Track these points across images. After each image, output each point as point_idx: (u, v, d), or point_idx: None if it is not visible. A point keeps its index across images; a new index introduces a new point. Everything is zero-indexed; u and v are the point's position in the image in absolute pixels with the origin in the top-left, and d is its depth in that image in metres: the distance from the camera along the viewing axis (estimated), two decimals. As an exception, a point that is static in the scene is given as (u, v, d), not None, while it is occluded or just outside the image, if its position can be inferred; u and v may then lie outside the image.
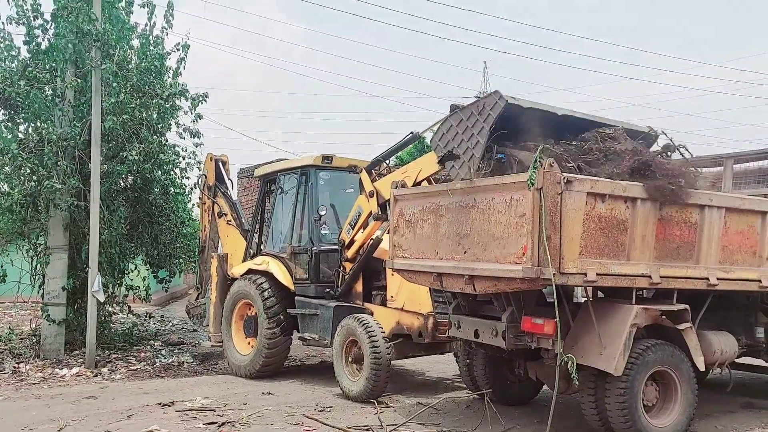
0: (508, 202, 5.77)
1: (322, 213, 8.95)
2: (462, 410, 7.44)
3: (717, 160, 8.49)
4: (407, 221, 7.19)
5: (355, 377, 7.97)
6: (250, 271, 9.70)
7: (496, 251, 5.87)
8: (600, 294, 6.74)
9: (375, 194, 8.31)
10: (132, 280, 12.67)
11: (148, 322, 14.07)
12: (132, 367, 10.24)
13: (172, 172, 12.32)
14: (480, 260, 6.06)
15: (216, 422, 6.77)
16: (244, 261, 10.24)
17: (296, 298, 9.15)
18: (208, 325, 10.93)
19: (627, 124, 6.92)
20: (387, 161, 8.76)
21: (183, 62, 11.86)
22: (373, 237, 8.45)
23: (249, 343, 9.65)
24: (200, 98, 11.66)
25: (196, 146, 12.29)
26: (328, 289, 8.89)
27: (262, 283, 9.28)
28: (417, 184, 7.62)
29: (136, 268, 12.92)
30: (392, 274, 8.00)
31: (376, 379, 7.66)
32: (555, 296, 5.43)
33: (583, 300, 6.69)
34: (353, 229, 8.62)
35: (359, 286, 8.75)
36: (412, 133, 8.26)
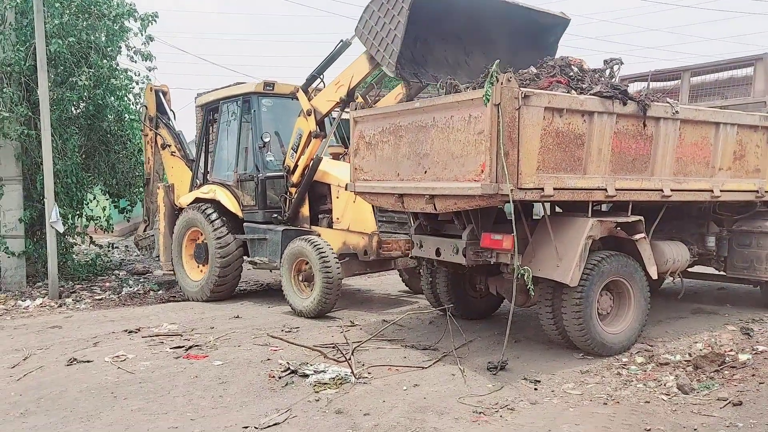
0: (466, 120, 5.74)
1: (266, 140, 9.05)
2: (426, 326, 7.64)
3: (675, 73, 8.52)
4: (367, 143, 7.13)
5: (305, 295, 8.29)
6: (197, 200, 9.80)
7: (456, 170, 5.88)
8: (559, 210, 6.87)
9: (312, 112, 8.42)
10: (92, 210, 12.46)
11: (112, 253, 13.94)
12: (97, 297, 10.20)
13: (125, 98, 11.94)
14: (440, 179, 6.08)
15: (183, 346, 6.83)
16: (190, 191, 10.31)
17: (245, 224, 9.34)
18: (158, 256, 11.11)
19: (539, 8, 7.37)
20: (321, 76, 8.74)
21: (130, -20, 11.27)
22: (314, 157, 8.61)
23: (201, 270, 9.82)
24: (149, 18, 11.17)
25: (150, 70, 11.94)
26: (275, 215, 9.09)
27: (208, 210, 9.41)
28: (352, 90, 7.91)
29: (95, 198, 12.70)
30: (337, 197, 8.52)
31: (327, 295, 7.96)
32: (512, 211, 5.50)
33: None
34: (296, 152, 8.73)
35: (306, 210, 9.01)
36: (341, 41, 8.28)
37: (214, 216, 9.32)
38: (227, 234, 9.23)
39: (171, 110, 11.31)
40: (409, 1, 6.38)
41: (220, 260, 9.17)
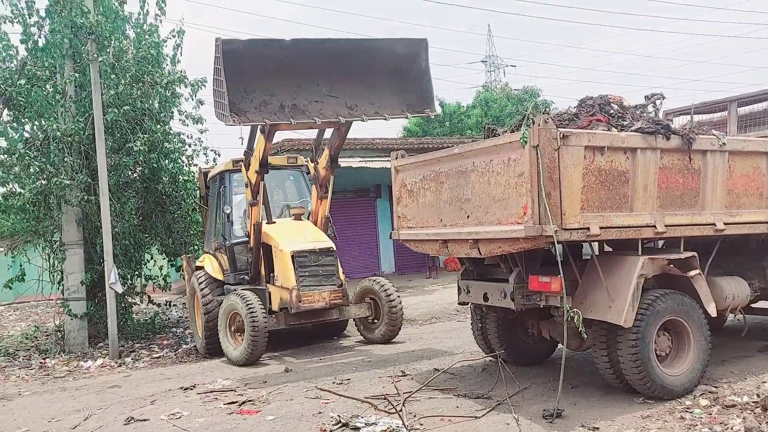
0: (506, 163, 5.74)
1: (227, 212, 10.18)
2: (478, 374, 7.48)
3: (721, 104, 8.34)
4: (409, 191, 7.20)
5: (237, 345, 9.05)
6: (197, 268, 10.95)
7: (498, 213, 5.86)
8: (608, 249, 6.71)
9: (249, 184, 9.29)
10: (150, 270, 12.81)
11: (170, 311, 14.24)
12: (155, 355, 10.41)
13: (179, 161, 12.40)
14: (483, 223, 6.07)
15: (236, 401, 6.88)
16: None
17: (225, 286, 10.29)
18: None
19: (389, 38, 8.11)
20: (252, 151, 9.27)
21: (179, 48, 11.86)
22: (254, 223, 9.39)
23: None
24: (199, 84, 11.67)
25: (201, 132, 12.40)
26: (243, 276, 10.02)
27: (200, 277, 10.44)
28: (263, 162, 8.84)
29: (152, 258, 13.06)
30: (275, 256, 9.30)
31: (254, 344, 8.67)
32: (558, 252, 5.42)
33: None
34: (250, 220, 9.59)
35: (263, 270, 9.74)
36: None
37: (201, 280, 10.32)
38: (209, 295, 10.08)
39: None
40: (221, 61, 7.22)
41: (205, 317, 9.89)
